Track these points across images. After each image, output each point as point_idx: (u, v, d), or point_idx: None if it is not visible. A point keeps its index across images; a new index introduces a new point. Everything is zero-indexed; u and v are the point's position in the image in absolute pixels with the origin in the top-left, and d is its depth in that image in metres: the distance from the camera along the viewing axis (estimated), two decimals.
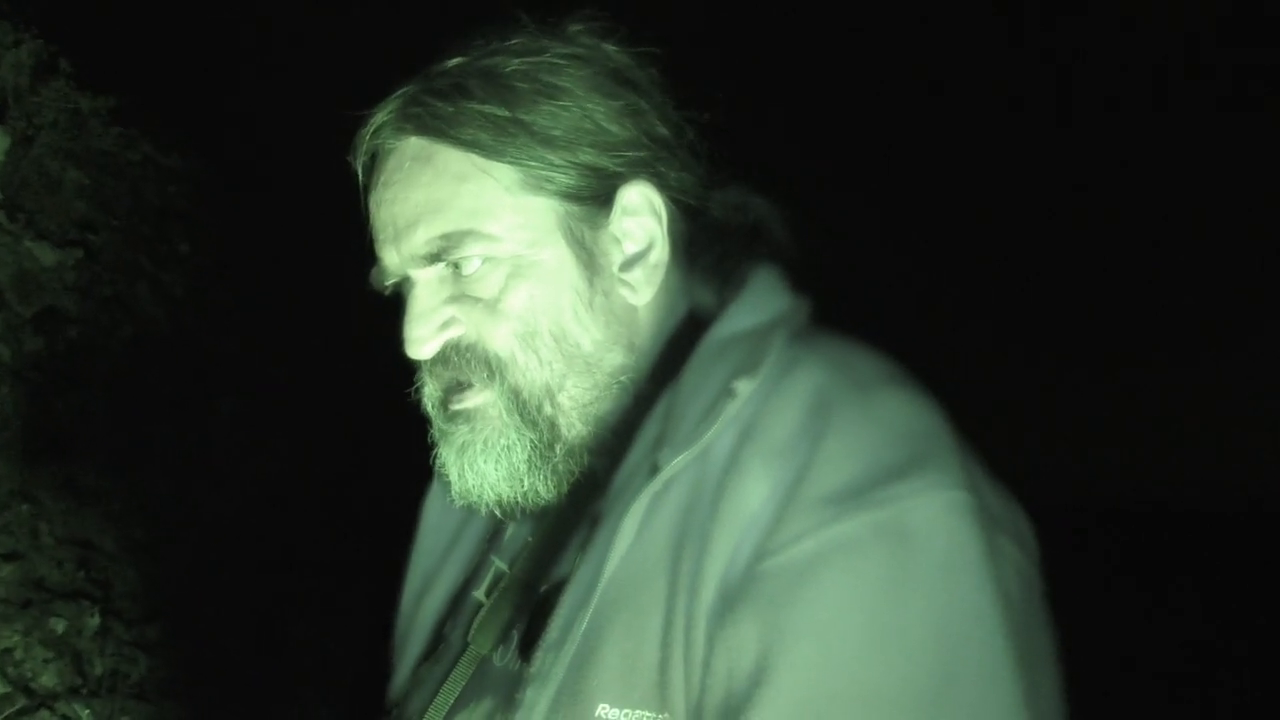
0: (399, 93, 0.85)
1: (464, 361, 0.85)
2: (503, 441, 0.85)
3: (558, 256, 0.84)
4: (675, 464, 0.75)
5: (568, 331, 0.84)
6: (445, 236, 0.83)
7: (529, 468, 0.85)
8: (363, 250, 0.90)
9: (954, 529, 0.70)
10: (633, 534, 0.76)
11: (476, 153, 0.82)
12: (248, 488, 3.85)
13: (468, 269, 0.83)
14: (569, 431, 0.85)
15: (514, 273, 0.83)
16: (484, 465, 0.85)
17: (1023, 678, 0.69)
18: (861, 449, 0.71)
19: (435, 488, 1.00)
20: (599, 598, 0.75)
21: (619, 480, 0.79)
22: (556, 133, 0.82)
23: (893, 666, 0.66)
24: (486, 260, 0.83)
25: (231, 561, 3.59)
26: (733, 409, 0.75)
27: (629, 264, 0.86)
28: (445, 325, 0.85)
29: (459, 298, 0.84)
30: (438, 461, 0.88)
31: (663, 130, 0.86)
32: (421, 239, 0.83)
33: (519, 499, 0.86)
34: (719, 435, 0.75)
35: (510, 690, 0.80)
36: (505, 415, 0.84)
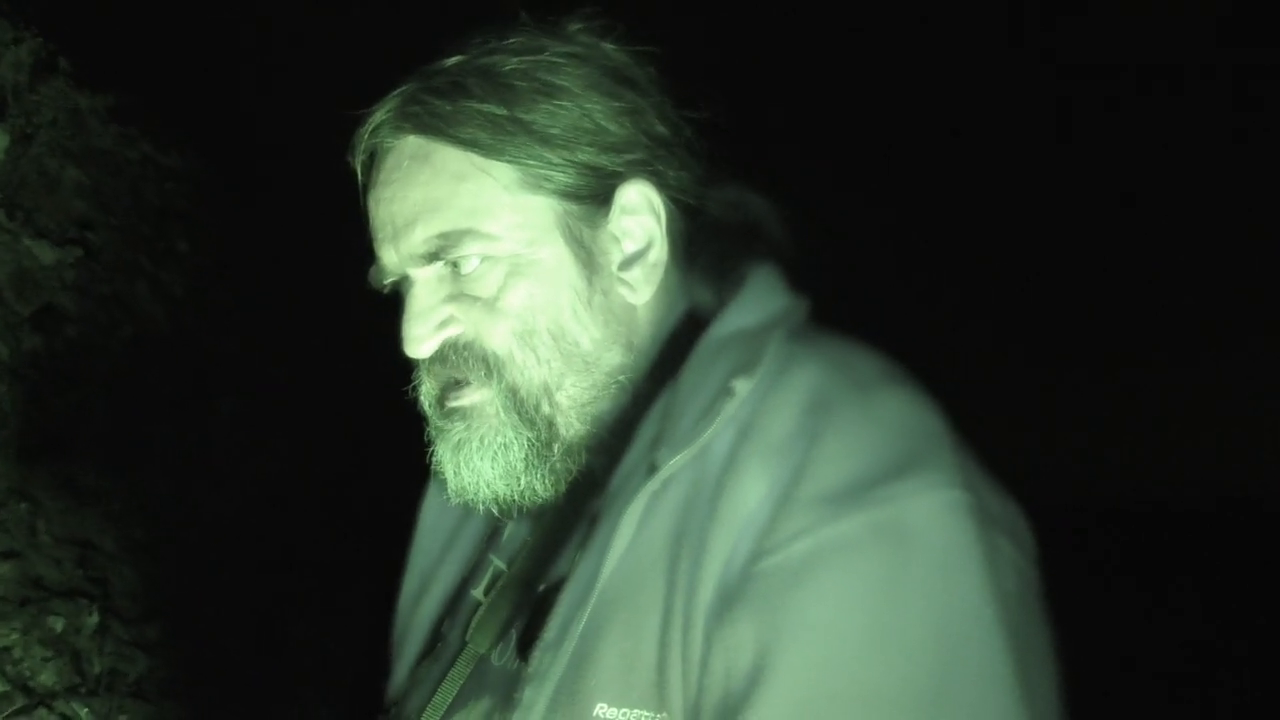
0: (397, 91, 0.85)
1: (462, 360, 0.85)
2: (500, 439, 0.85)
3: (556, 255, 0.84)
4: (673, 463, 0.75)
5: (566, 330, 0.84)
6: (443, 235, 0.83)
7: (526, 466, 0.85)
8: (363, 250, 0.90)
9: (951, 528, 0.69)
10: (631, 533, 0.76)
11: (475, 151, 0.82)
12: (247, 487, 3.85)
13: (466, 268, 0.83)
14: (567, 430, 0.85)
15: (512, 271, 0.83)
16: (480, 463, 0.85)
17: (1020, 677, 0.68)
18: (859, 448, 0.71)
19: (433, 486, 1.00)
20: (597, 597, 0.75)
21: (617, 479, 0.79)
22: (555, 131, 0.82)
23: (890, 666, 0.66)
24: (485, 259, 0.83)
25: (231, 561, 3.59)
26: (731, 408, 0.75)
27: (628, 263, 0.86)
28: (444, 324, 0.85)
29: (457, 296, 0.84)
30: (434, 459, 0.88)
31: (661, 129, 0.86)
32: (420, 238, 0.83)
33: (516, 497, 0.86)
34: (717, 434, 0.75)
35: (508, 689, 0.80)
36: (502, 413, 0.84)
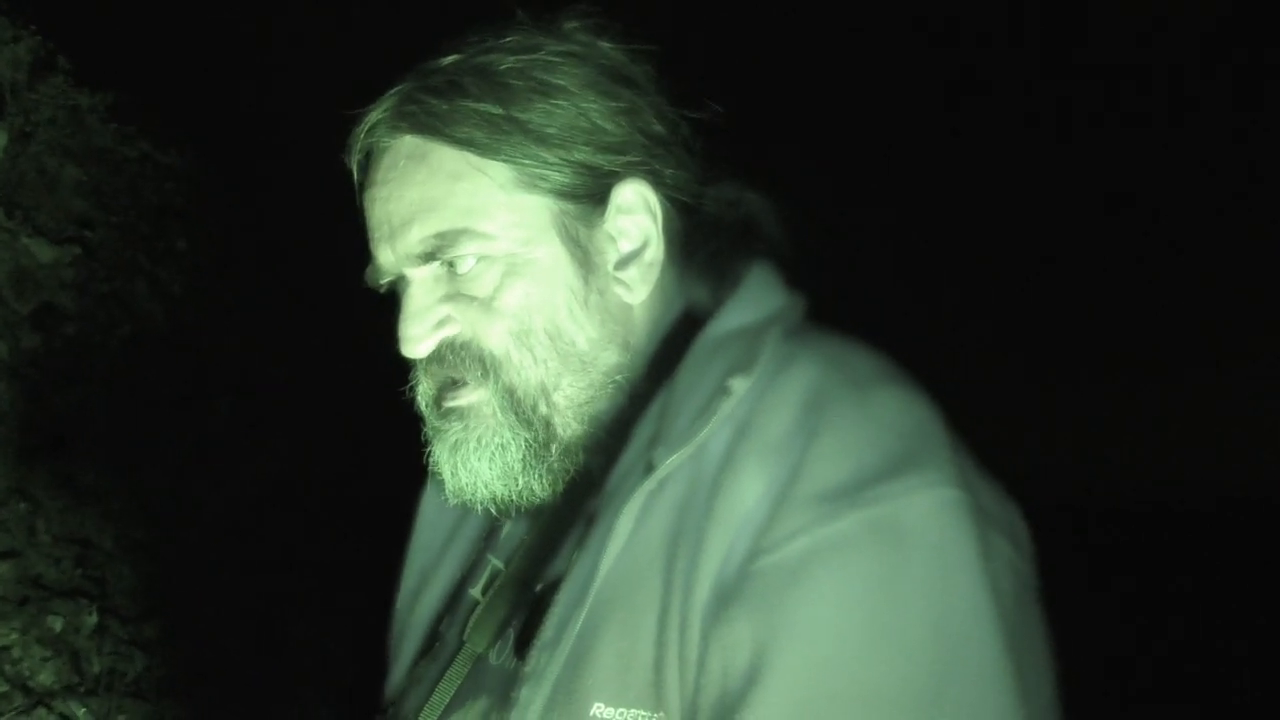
0: (393, 91, 0.85)
1: (459, 360, 0.85)
2: (497, 440, 0.84)
3: (552, 255, 0.84)
4: (670, 462, 0.75)
5: (563, 330, 0.84)
6: (440, 235, 0.82)
7: (524, 467, 0.85)
8: (362, 249, 0.90)
9: (947, 527, 0.69)
10: (628, 532, 0.75)
11: (471, 151, 0.82)
12: (247, 487, 3.85)
13: (462, 267, 0.83)
14: (565, 430, 0.85)
15: (509, 271, 0.83)
16: (477, 463, 0.85)
17: (1017, 675, 0.68)
18: (856, 446, 0.71)
19: (431, 486, 1.00)
20: (594, 596, 0.75)
21: (614, 478, 0.79)
22: (551, 131, 0.82)
23: (887, 665, 0.66)
24: (481, 259, 0.83)
25: (230, 560, 3.59)
26: (728, 407, 0.75)
27: (624, 262, 0.86)
28: (440, 324, 0.85)
29: (454, 296, 0.84)
30: (431, 460, 0.88)
31: (658, 128, 0.86)
32: (416, 238, 0.83)
33: (514, 498, 0.86)
34: (714, 433, 0.75)
35: (506, 689, 0.80)
36: (500, 414, 0.84)
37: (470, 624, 0.90)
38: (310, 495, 4.16)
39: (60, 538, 2.95)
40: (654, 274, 0.87)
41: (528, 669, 0.76)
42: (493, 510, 0.87)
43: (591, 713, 0.73)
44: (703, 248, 0.90)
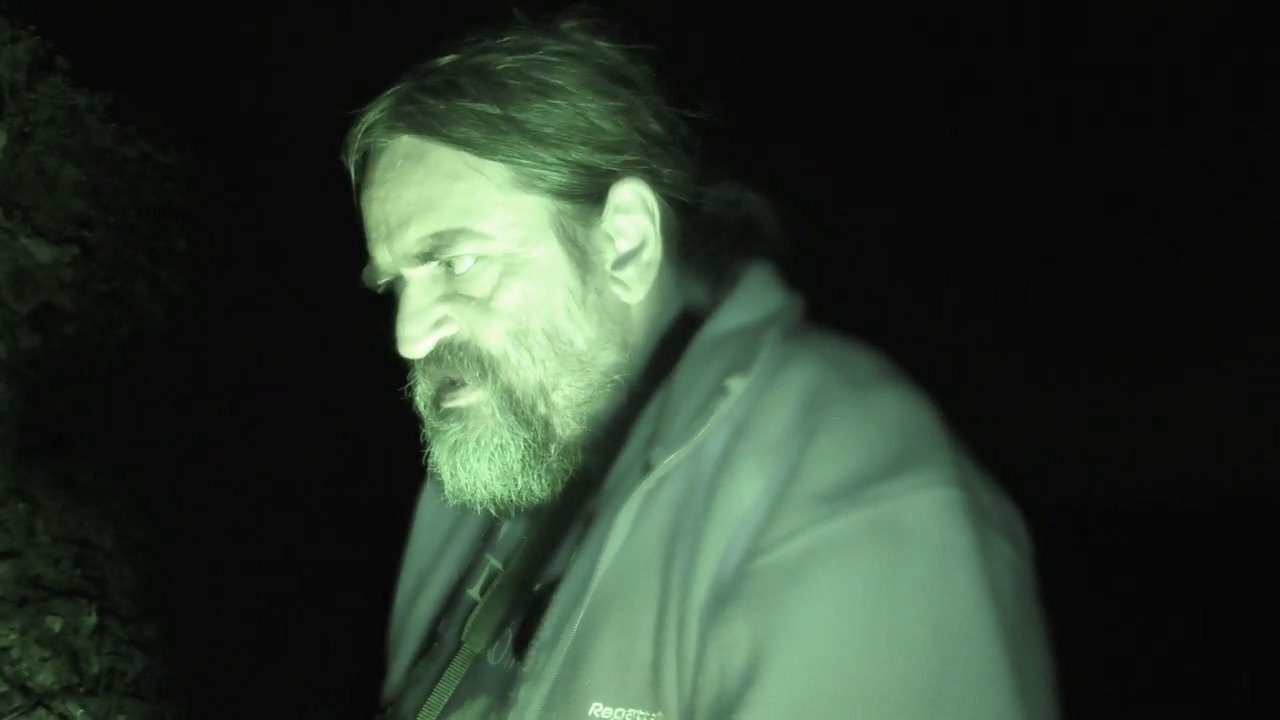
0: (391, 90, 0.85)
1: (457, 360, 0.84)
2: (496, 440, 0.84)
3: (550, 255, 0.83)
4: (668, 462, 0.75)
5: (561, 330, 0.84)
6: (437, 235, 0.82)
7: (523, 467, 0.85)
8: (361, 249, 0.90)
9: (947, 526, 0.69)
10: (626, 532, 0.75)
11: (469, 151, 0.82)
12: (247, 487, 3.85)
13: (460, 267, 0.83)
14: (563, 431, 0.85)
15: (506, 271, 0.83)
16: (476, 464, 0.85)
17: (1016, 674, 0.68)
18: (854, 446, 0.71)
19: (430, 486, 1.00)
20: (592, 596, 0.75)
21: (612, 478, 0.79)
22: (549, 130, 0.82)
23: (886, 664, 0.66)
24: (479, 259, 0.83)
25: (230, 561, 3.59)
26: (725, 407, 0.75)
27: (622, 262, 0.86)
28: (438, 324, 0.85)
29: (451, 296, 0.84)
30: (430, 461, 0.88)
31: (656, 127, 0.86)
32: (413, 238, 0.83)
33: (513, 498, 0.86)
34: (712, 433, 0.75)
35: (504, 688, 0.80)
36: (498, 414, 0.84)
37: (469, 624, 0.90)
38: (310, 495, 4.16)
39: (60, 538, 2.95)
40: (652, 274, 0.87)
41: (526, 669, 0.76)
42: (492, 511, 0.87)
43: (590, 712, 0.73)
44: (701, 247, 0.90)
